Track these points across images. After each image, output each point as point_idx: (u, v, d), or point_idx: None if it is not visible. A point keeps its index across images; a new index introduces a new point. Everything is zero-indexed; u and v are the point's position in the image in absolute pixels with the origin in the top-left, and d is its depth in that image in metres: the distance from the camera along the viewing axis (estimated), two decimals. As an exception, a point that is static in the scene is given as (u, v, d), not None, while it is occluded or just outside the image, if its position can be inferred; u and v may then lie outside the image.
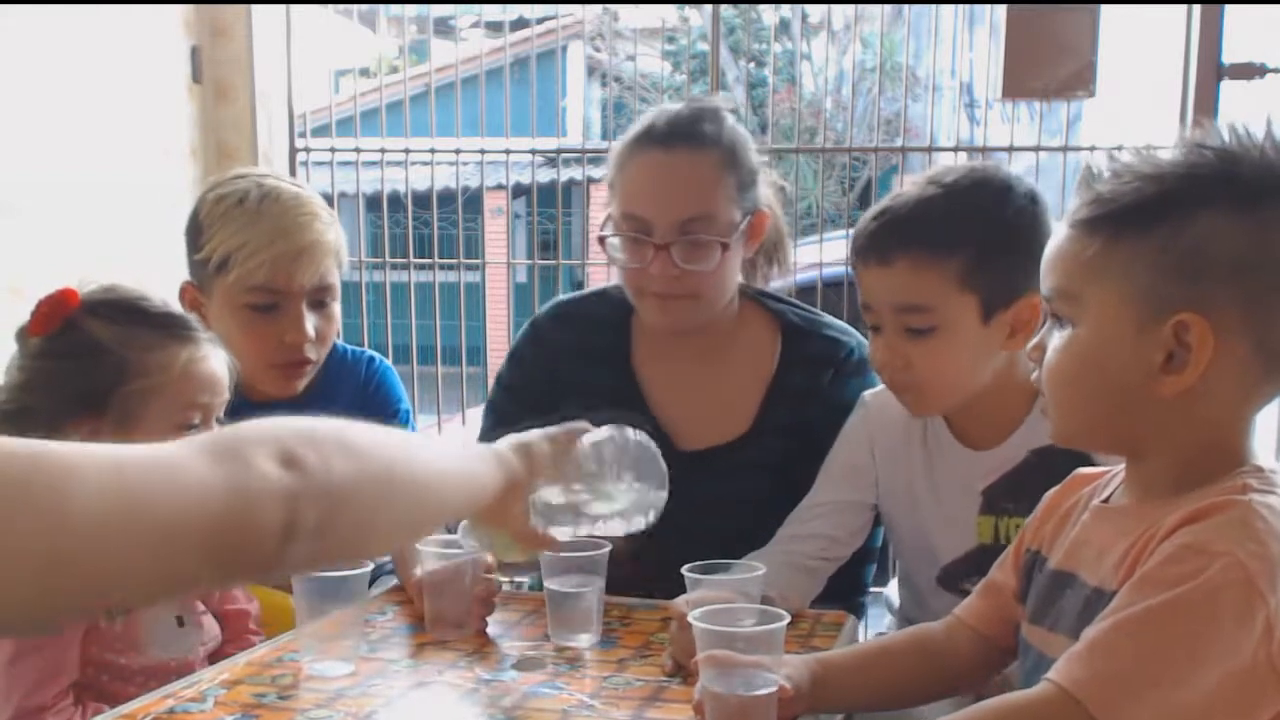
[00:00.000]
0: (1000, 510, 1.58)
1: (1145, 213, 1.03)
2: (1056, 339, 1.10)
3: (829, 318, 1.92)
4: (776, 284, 2.01)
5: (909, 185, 1.61)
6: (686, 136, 1.74)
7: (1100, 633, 0.99)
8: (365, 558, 0.98)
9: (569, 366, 1.89)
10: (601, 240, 1.80)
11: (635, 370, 1.88)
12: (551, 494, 1.26)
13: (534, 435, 1.25)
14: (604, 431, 1.31)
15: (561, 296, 2.02)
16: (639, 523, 1.31)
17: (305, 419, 0.88)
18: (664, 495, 1.32)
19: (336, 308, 1.86)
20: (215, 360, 1.51)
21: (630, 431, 1.32)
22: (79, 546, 0.70)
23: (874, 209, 1.60)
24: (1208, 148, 1.04)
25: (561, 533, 1.29)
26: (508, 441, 1.22)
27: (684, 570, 1.41)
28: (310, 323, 1.80)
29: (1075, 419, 1.12)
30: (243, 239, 1.76)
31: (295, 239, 1.77)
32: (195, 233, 1.82)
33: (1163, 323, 1.02)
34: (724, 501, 1.77)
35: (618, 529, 1.31)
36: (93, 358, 1.44)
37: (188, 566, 0.77)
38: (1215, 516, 1.00)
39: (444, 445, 1.13)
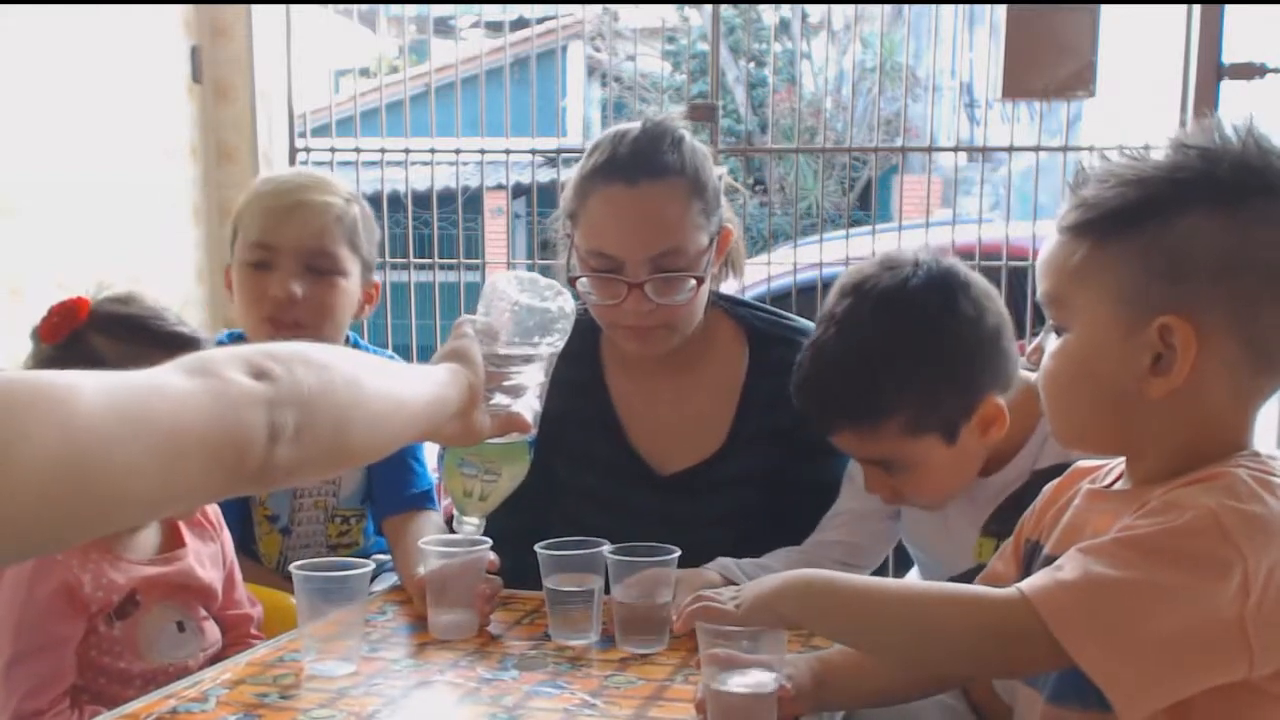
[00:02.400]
0: (1000, 532, 1.58)
1: (1128, 217, 1.04)
2: (1051, 344, 1.11)
3: (798, 319, 1.89)
4: (778, 284, 2.00)
5: (823, 324, 1.53)
6: (650, 168, 1.67)
7: (1069, 557, 1.01)
8: (348, 464, 1.03)
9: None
10: (573, 281, 1.74)
11: (612, 399, 1.85)
12: (499, 349, 1.33)
13: (450, 345, 1.28)
14: (490, 288, 1.40)
15: None
16: (563, 328, 1.41)
17: (264, 344, 0.94)
18: (564, 291, 1.42)
19: (344, 283, 1.86)
20: None
21: (501, 274, 1.42)
22: (89, 456, 0.73)
23: (798, 369, 1.53)
24: (1191, 147, 1.05)
25: (523, 402, 1.34)
26: (438, 361, 1.25)
27: (604, 552, 1.46)
28: (301, 286, 1.81)
29: (1072, 423, 1.13)
30: (250, 200, 1.88)
31: (288, 197, 1.85)
32: (236, 216, 1.91)
33: (1148, 325, 1.03)
34: (709, 519, 1.76)
35: (561, 333, 1.40)
36: None
37: (191, 474, 0.81)
38: (1203, 483, 1.02)
39: (406, 366, 1.18)
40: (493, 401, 1.31)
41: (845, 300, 1.51)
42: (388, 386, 1.05)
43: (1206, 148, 1.04)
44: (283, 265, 1.82)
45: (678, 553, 1.46)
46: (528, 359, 1.36)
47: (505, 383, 1.33)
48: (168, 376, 0.82)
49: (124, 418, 0.76)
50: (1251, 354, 1.04)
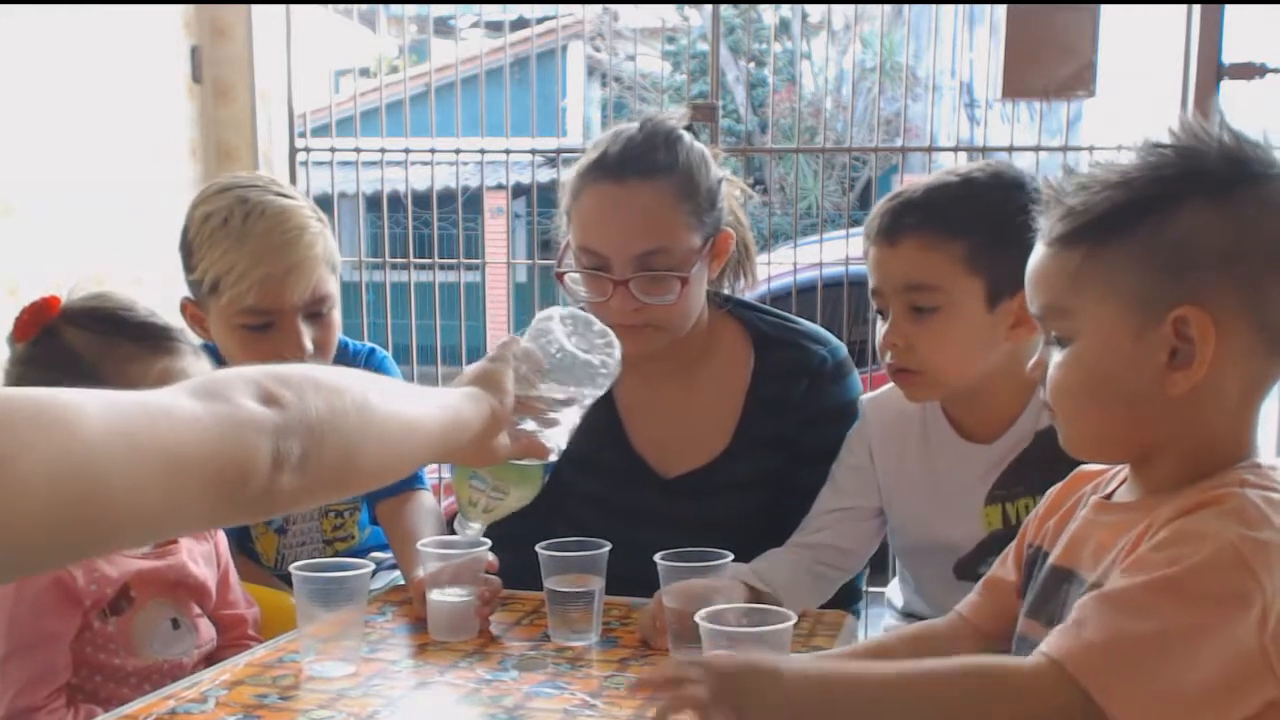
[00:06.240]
0: (1008, 496, 1.58)
1: (1122, 218, 1.04)
2: (1057, 356, 1.10)
3: (803, 323, 1.88)
4: (778, 284, 1.99)
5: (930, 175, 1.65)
6: (639, 167, 1.67)
7: (1089, 608, 0.99)
8: (355, 490, 1.02)
9: None
10: (560, 276, 1.74)
11: (616, 402, 1.83)
12: (530, 391, 1.30)
13: (483, 366, 1.26)
14: (535, 321, 1.37)
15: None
16: (609, 377, 1.37)
17: (276, 364, 0.93)
18: (616, 340, 1.38)
19: (336, 314, 1.84)
20: (194, 373, 1.47)
21: (553, 309, 1.39)
22: (89, 476, 0.73)
23: (890, 194, 1.62)
24: (1165, 147, 1.05)
25: (552, 435, 1.32)
26: (466, 381, 1.23)
27: (656, 559, 1.44)
28: (308, 335, 1.78)
29: (1088, 432, 1.11)
30: (229, 262, 1.74)
31: (281, 259, 1.74)
32: (186, 253, 1.81)
33: (1161, 322, 1.02)
34: (710, 523, 1.75)
35: (595, 387, 1.37)
36: (67, 367, 1.42)
37: (192, 499, 0.80)
38: (1210, 508, 1.00)
39: (422, 389, 1.16)
40: (520, 426, 1.30)
41: (959, 164, 1.63)
42: (401, 412, 1.04)
43: (1182, 145, 1.04)
44: (286, 324, 1.76)
45: (729, 558, 1.45)
46: (566, 402, 1.34)
47: (538, 416, 1.32)
48: (175, 398, 0.82)
49: (126, 439, 0.75)
50: (1264, 338, 1.03)
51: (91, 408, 0.74)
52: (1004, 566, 1.27)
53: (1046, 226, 1.09)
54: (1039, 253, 1.10)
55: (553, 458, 1.34)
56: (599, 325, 1.40)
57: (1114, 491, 1.15)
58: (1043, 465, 1.28)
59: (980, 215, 1.53)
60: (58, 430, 0.72)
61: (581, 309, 1.41)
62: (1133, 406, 1.06)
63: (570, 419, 1.35)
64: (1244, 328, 1.02)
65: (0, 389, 0.73)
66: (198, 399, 0.82)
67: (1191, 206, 1.02)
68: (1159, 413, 1.05)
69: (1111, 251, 1.04)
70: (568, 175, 1.77)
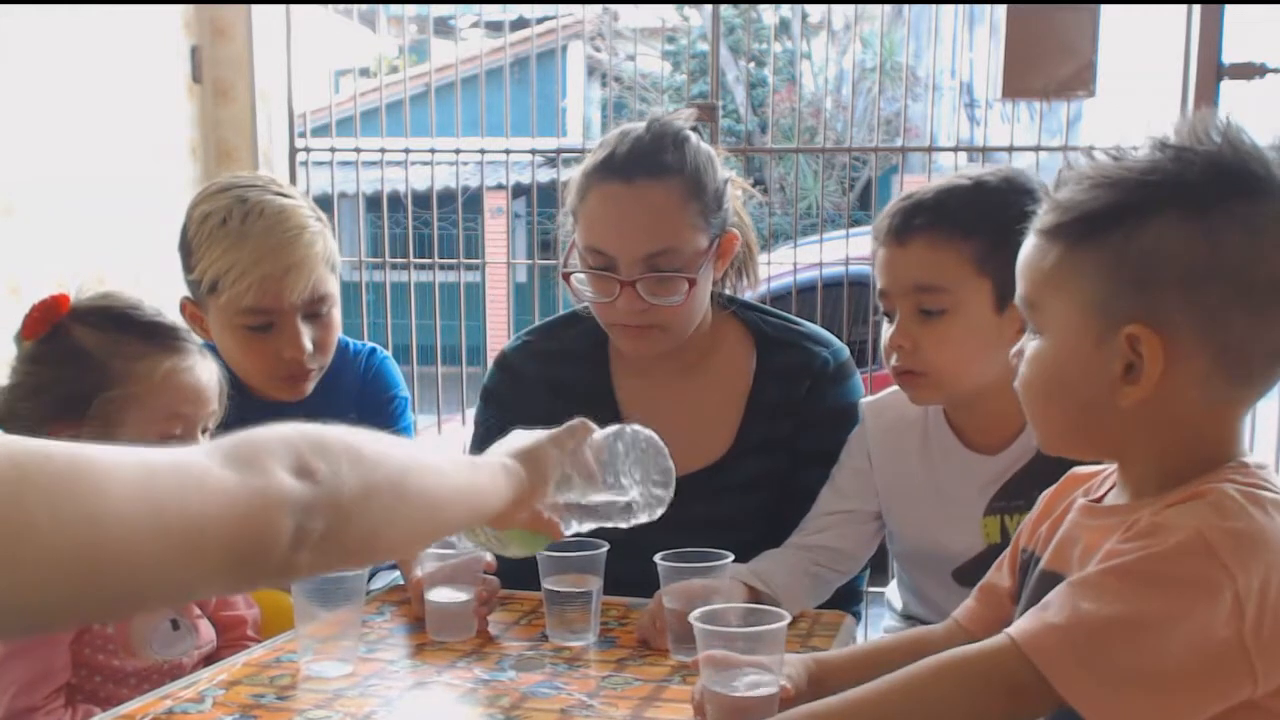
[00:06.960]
0: (1007, 509, 1.58)
1: (1099, 221, 1.02)
2: (1028, 349, 1.09)
3: (806, 324, 1.88)
4: (778, 284, 1.98)
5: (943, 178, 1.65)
6: (647, 167, 1.66)
7: (1057, 593, 1.00)
8: (371, 565, 1.00)
9: (546, 401, 1.80)
10: (566, 276, 1.74)
11: (619, 402, 1.83)
12: (565, 493, 1.29)
13: (540, 439, 1.26)
14: (612, 429, 1.35)
15: (526, 333, 1.94)
16: (644, 518, 1.36)
17: (319, 426, 0.91)
18: (670, 492, 1.37)
19: (336, 313, 1.84)
20: (201, 371, 1.50)
21: (636, 428, 1.36)
22: (113, 544, 0.72)
23: (900, 195, 1.62)
24: (1169, 146, 1.02)
25: (570, 527, 1.32)
26: (513, 448, 1.23)
27: (657, 559, 1.44)
28: (307, 335, 1.78)
29: (1050, 429, 1.11)
30: (229, 262, 1.73)
31: (280, 259, 1.73)
32: (185, 253, 1.80)
33: (1117, 334, 1.00)
34: (711, 523, 1.73)
35: (625, 523, 1.35)
36: (76, 364, 1.44)
37: (208, 569, 0.80)
38: (1189, 503, 0.99)
39: (455, 459, 1.14)
40: (569, 502, 1.30)
41: (971, 167, 1.59)
42: (435, 490, 1.03)
43: (1183, 148, 1.01)
44: (286, 324, 1.76)
45: (729, 559, 1.45)
46: (598, 514, 1.34)
47: (571, 507, 1.32)
48: (208, 465, 0.81)
49: (154, 510, 0.75)
50: (1225, 364, 1.00)
51: (123, 472, 0.74)
52: (999, 573, 1.27)
53: (1039, 214, 1.08)
54: (1029, 240, 1.09)
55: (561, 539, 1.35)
56: (667, 461, 1.38)
57: (1104, 495, 1.14)
58: (1045, 480, 1.27)
59: (990, 217, 1.52)
60: (86, 491, 0.71)
61: (646, 432, 1.39)
62: (1089, 411, 1.05)
63: (598, 520, 1.35)
64: (1201, 352, 0.99)
65: (38, 443, 0.72)
66: (231, 467, 0.81)
67: (1168, 219, 0.99)
68: (1115, 420, 1.04)
69: (1084, 254, 1.03)
70: (573, 175, 1.76)
